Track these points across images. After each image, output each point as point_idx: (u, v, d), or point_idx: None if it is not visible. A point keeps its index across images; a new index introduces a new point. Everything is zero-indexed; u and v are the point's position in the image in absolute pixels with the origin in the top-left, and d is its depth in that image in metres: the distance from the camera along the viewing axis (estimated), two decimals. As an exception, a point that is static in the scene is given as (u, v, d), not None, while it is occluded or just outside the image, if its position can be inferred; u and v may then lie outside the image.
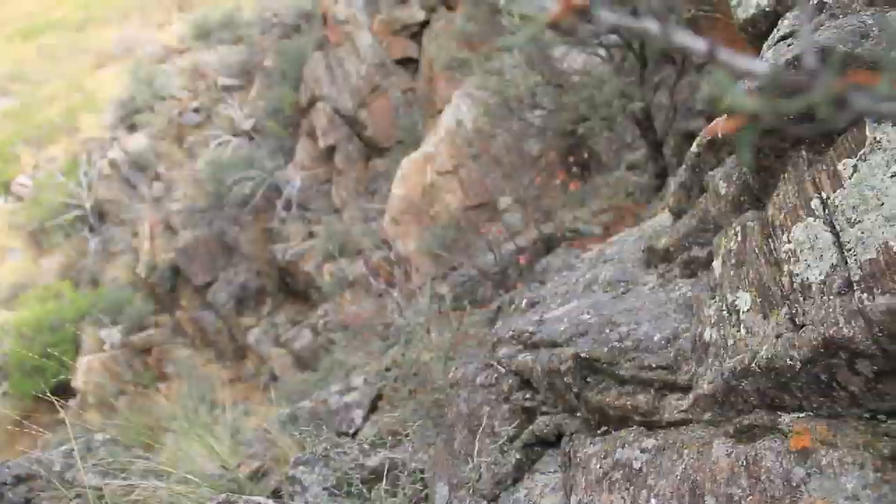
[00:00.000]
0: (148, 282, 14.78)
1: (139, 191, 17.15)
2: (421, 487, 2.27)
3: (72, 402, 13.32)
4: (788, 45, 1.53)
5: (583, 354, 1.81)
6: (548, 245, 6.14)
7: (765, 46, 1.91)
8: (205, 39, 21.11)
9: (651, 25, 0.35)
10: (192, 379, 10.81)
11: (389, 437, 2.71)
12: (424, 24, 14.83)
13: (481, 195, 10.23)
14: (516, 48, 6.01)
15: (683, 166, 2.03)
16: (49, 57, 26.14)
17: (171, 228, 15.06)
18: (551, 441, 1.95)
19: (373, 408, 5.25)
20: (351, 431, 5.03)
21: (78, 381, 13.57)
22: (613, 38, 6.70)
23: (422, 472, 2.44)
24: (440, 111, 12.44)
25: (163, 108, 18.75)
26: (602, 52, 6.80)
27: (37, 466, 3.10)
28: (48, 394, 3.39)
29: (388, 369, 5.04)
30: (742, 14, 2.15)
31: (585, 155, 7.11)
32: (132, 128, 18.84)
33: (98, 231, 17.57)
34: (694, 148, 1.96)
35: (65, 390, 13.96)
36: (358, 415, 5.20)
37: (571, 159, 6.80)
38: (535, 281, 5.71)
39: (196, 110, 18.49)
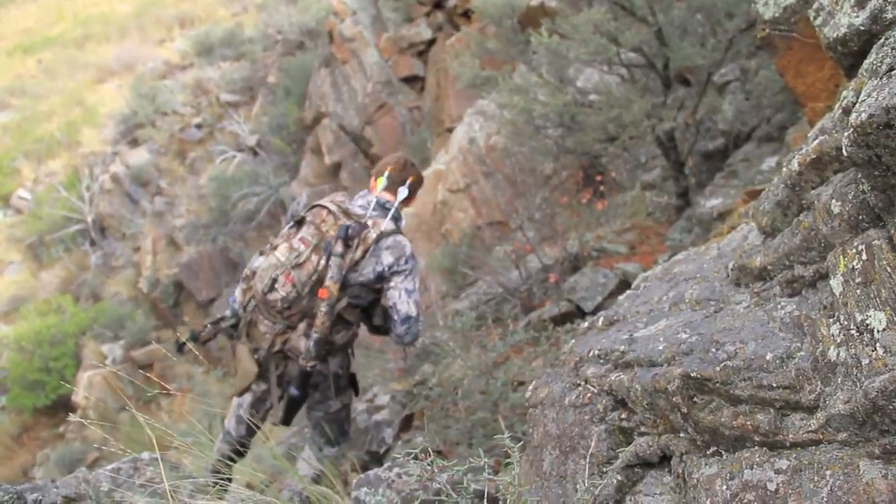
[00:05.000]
0: (150, 297, 14.69)
1: (141, 205, 17.07)
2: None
3: (72, 417, 13.13)
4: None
5: (693, 374, 1.78)
6: (574, 264, 6.13)
7: (868, 67, 1.88)
8: (207, 56, 21.10)
9: None
10: (202, 395, 10.72)
11: (445, 458, 2.67)
12: (430, 42, 14.90)
13: (493, 213, 10.21)
14: (544, 67, 6.01)
15: (781, 184, 2.01)
16: (48, 72, 26.14)
17: (174, 244, 14.98)
18: (653, 462, 1.91)
19: (403, 426, 5.20)
20: (381, 451, 4.97)
21: (79, 396, 13.45)
22: (634, 56, 6.72)
23: (481, 493, 2.39)
24: (449, 129, 12.44)
25: (165, 124, 18.72)
26: (623, 71, 6.81)
27: (85, 486, 3.04)
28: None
29: (420, 383, 4.98)
30: (832, 33, 2.13)
31: (611, 174, 7.12)
32: (133, 143, 18.79)
33: (99, 245, 17.46)
34: (795, 166, 1.95)
35: (65, 405, 13.82)
36: (388, 434, 5.14)
37: (599, 178, 6.80)
38: (563, 300, 5.69)
39: (198, 126, 18.47)
